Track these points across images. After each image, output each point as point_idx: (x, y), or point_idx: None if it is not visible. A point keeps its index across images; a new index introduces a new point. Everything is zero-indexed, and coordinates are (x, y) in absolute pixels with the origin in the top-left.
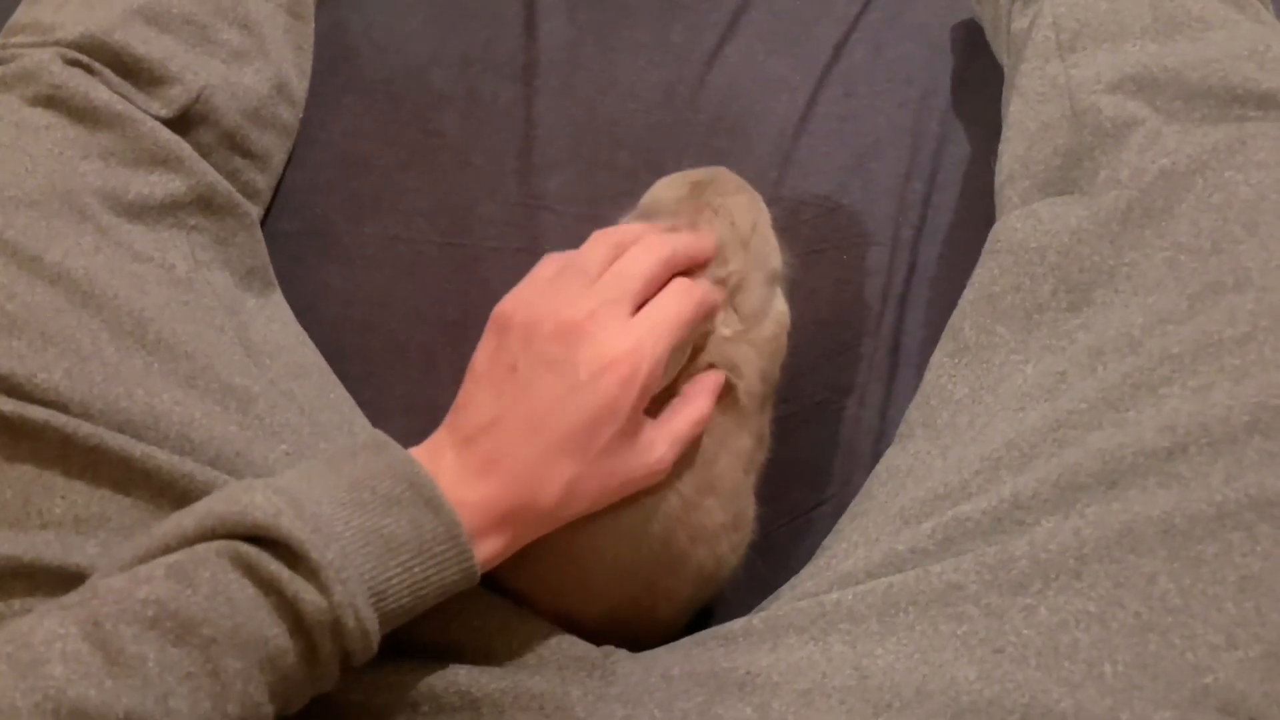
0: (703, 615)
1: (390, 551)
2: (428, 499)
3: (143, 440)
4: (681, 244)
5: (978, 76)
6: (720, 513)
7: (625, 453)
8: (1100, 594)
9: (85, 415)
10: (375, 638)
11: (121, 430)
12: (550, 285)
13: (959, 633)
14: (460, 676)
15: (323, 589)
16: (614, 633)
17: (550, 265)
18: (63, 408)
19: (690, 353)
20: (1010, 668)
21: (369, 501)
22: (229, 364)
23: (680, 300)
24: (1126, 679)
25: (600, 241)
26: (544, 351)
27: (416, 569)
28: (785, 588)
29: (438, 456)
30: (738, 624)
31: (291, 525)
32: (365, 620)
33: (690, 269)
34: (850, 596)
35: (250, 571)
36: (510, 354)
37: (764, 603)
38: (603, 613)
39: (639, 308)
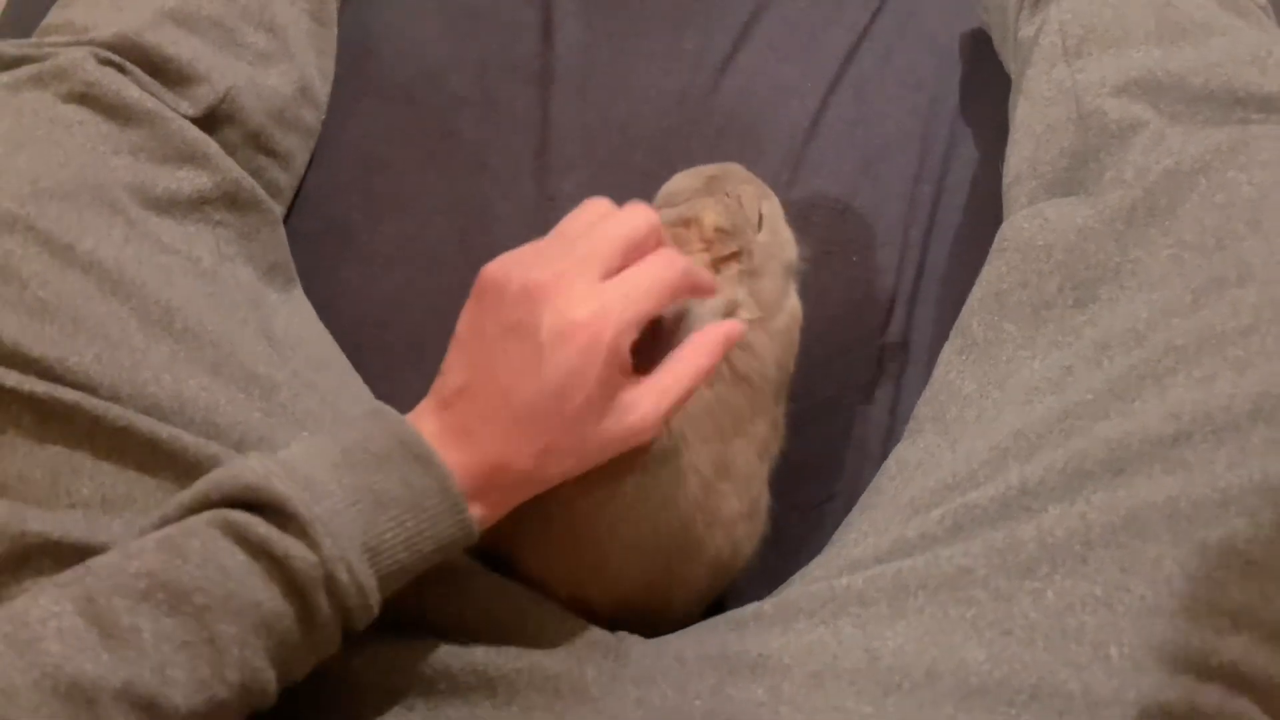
0: (714, 608)
1: (380, 506)
2: (417, 455)
3: (169, 424)
4: (672, 214)
5: (985, 82)
6: (735, 499)
7: (597, 418)
8: (1106, 578)
9: (114, 399)
10: (374, 595)
11: (149, 414)
12: (534, 248)
13: (968, 616)
14: (477, 656)
15: (312, 545)
16: (629, 621)
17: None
18: (92, 391)
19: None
20: (1018, 650)
21: (360, 460)
22: (253, 353)
23: (660, 267)
24: (1133, 661)
25: (588, 206)
26: (509, 315)
27: (409, 523)
28: (796, 576)
29: (421, 420)
30: (749, 609)
31: (280, 484)
32: (360, 574)
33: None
34: (860, 581)
35: (239, 537)
36: (482, 317)
37: (775, 591)
38: (618, 600)
39: (618, 273)
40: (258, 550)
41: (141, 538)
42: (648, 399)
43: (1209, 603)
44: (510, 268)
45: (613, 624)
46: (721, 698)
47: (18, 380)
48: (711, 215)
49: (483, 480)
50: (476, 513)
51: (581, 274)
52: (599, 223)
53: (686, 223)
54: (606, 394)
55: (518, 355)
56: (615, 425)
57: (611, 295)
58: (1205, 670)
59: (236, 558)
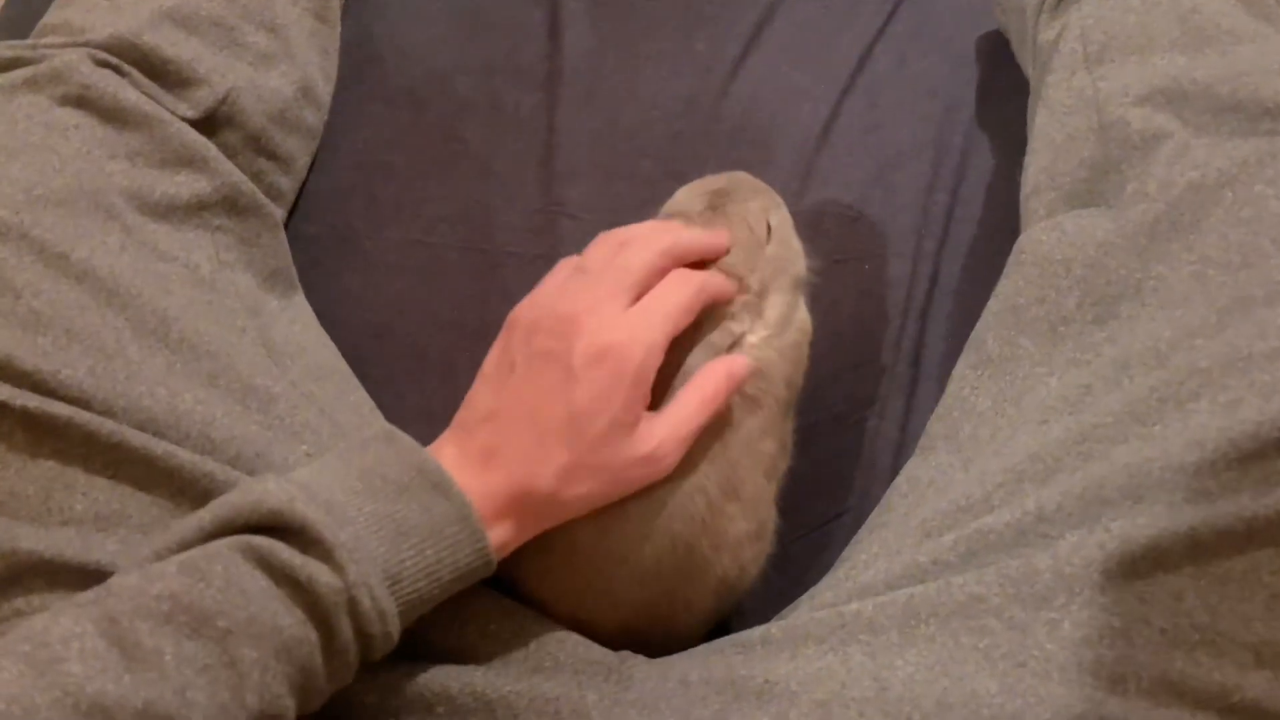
0: (718, 629)
1: (402, 535)
2: (436, 483)
3: (164, 439)
4: (685, 236)
5: (1002, 88)
6: (743, 520)
7: (620, 443)
8: (1125, 609)
9: (108, 413)
10: (394, 622)
11: (143, 428)
12: (560, 285)
13: (980, 645)
14: (476, 678)
15: (337, 569)
16: (631, 643)
17: (562, 270)
18: (86, 405)
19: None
20: (1033, 682)
21: (380, 489)
22: (250, 364)
23: (677, 289)
24: (1152, 696)
25: (604, 241)
26: (541, 346)
27: (430, 552)
28: (804, 598)
29: (440, 450)
30: (756, 632)
31: (305, 509)
32: (381, 601)
33: (698, 263)
34: (870, 607)
35: (263, 563)
36: (512, 353)
37: (782, 613)
38: (621, 623)
39: (640, 299)
40: (281, 575)
41: (161, 561)
42: (662, 429)
43: (1232, 637)
44: (540, 305)
45: (615, 644)
46: None
47: (10, 394)
48: None
49: (504, 504)
50: (496, 539)
51: (609, 304)
52: (618, 253)
53: None
54: (630, 419)
55: (548, 379)
56: (634, 452)
57: (637, 321)
58: (1227, 707)
59: (259, 582)
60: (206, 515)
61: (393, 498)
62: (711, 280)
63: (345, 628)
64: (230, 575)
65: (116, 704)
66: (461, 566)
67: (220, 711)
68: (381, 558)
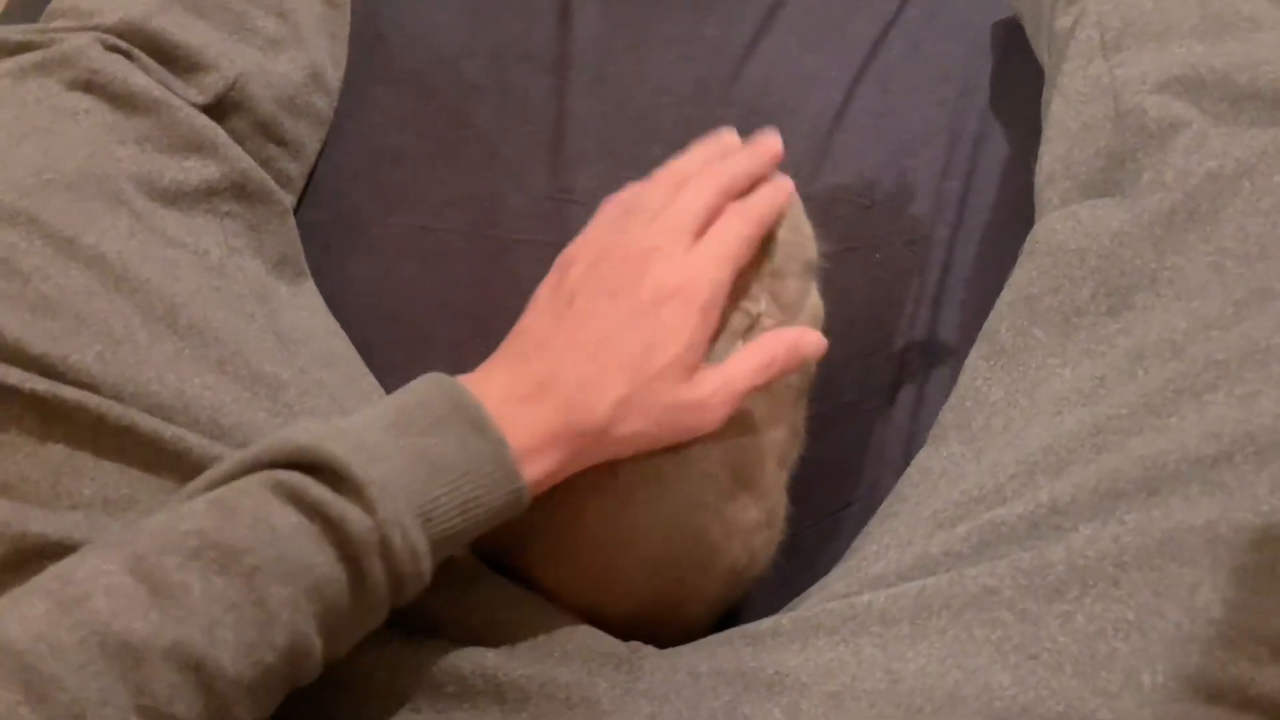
0: (727, 617)
1: (437, 471)
2: (473, 419)
3: (173, 424)
4: (740, 166)
5: (1017, 75)
6: (754, 508)
7: (676, 383)
8: (1140, 603)
9: (116, 398)
10: (426, 561)
11: (152, 414)
12: (614, 225)
13: (993, 638)
14: (487, 659)
15: (368, 508)
16: (639, 632)
17: (613, 208)
18: (94, 389)
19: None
20: (1046, 675)
21: (414, 424)
22: (259, 351)
23: (737, 225)
24: (1166, 690)
25: (661, 180)
26: (607, 280)
27: (465, 488)
28: (814, 589)
29: (489, 375)
30: (765, 623)
31: (334, 447)
32: (414, 539)
33: (755, 184)
34: (882, 599)
35: (293, 498)
36: (571, 286)
37: (792, 603)
38: (630, 611)
39: (700, 236)
40: (311, 512)
41: (191, 500)
42: (716, 379)
43: (1248, 630)
44: (602, 242)
45: (624, 633)
46: (737, 717)
47: (19, 378)
48: None
49: (551, 436)
50: (536, 472)
51: (675, 245)
52: (677, 194)
53: None
54: (692, 359)
55: (612, 314)
56: (688, 395)
57: (704, 259)
58: (1243, 701)
59: (290, 519)
60: (235, 456)
61: (426, 432)
62: (770, 198)
63: (376, 568)
64: (259, 511)
65: (143, 642)
66: (496, 504)
67: (248, 650)
68: (415, 493)
